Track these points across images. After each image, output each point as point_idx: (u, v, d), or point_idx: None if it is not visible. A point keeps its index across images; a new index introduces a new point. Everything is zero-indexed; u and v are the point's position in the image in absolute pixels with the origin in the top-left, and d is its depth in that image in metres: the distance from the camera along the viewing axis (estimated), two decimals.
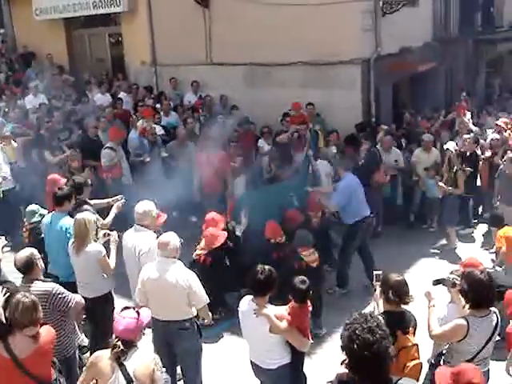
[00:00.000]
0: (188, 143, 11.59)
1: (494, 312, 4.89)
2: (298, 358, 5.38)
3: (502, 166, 10.08)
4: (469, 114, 13.32)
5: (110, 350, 4.50)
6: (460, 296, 5.05)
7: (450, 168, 10.30)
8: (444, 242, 10.63)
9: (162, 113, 13.35)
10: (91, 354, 6.48)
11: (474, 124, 13.40)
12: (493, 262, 8.25)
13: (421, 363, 4.60)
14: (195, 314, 5.90)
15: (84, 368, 4.65)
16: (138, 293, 5.96)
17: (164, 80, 15.55)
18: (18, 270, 5.60)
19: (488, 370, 5.04)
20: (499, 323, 4.87)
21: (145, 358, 4.53)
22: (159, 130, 12.44)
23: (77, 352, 5.93)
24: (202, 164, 10.53)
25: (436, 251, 10.38)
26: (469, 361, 4.79)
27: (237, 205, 8.91)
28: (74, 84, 16.62)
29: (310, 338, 5.36)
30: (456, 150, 10.47)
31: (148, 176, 10.54)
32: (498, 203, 10.10)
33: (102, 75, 16.59)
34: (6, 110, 14.14)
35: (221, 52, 14.22)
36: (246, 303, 5.32)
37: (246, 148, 11.90)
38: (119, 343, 4.45)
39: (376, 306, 5.01)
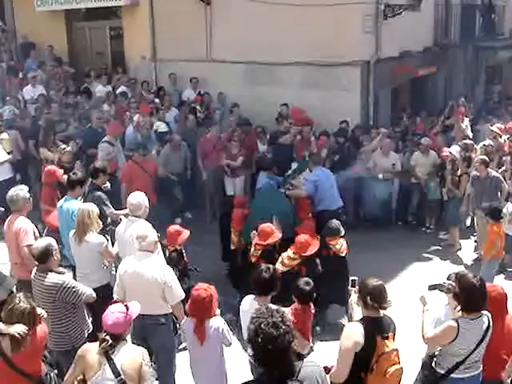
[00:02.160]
0: (182, 147, 11.62)
1: (486, 315, 4.92)
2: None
3: (474, 173, 10.07)
4: (467, 120, 13.34)
5: (98, 343, 4.51)
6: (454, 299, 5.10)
7: (453, 171, 10.45)
8: (438, 246, 10.78)
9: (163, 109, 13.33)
10: None
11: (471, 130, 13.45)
12: None
13: (401, 368, 4.58)
14: (170, 310, 5.92)
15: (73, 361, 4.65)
16: (116, 287, 5.98)
17: (164, 75, 15.52)
18: (35, 258, 5.69)
19: (479, 374, 5.05)
20: (490, 326, 4.89)
21: (133, 352, 4.56)
22: (164, 127, 12.45)
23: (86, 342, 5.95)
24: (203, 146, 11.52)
25: (431, 253, 10.49)
26: (459, 363, 4.84)
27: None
28: (73, 76, 16.57)
29: (310, 341, 5.41)
30: (461, 155, 10.61)
31: None
32: (475, 211, 10.22)
33: (102, 68, 16.54)
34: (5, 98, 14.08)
35: (221, 49, 14.21)
36: (248, 302, 5.33)
37: (247, 149, 11.89)
38: (108, 337, 4.47)
39: (352, 312, 5.00)
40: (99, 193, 7.93)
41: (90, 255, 6.58)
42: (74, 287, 5.59)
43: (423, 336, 5.05)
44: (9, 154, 11.24)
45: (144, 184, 9.39)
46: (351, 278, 5.22)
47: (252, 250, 7.40)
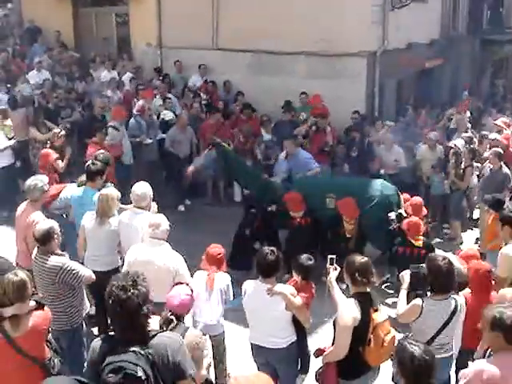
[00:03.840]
0: (188, 128, 11.67)
1: (455, 298, 5.08)
2: (301, 335, 5.47)
3: (487, 165, 10.07)
4: (468, 113, 13.35)
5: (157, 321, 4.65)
6: None
7: (457, 165, 10.43)
8: (440, 239, 10.77)
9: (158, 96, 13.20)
10: (99, 328, 6.73)
11: (473, 124, 13.44)
12: None
13: (394, 335, 4.85)
14: None
15: None
16: None
17: (169, 63, 15.50)
18: (36, 240, 5.73)
19: (451, 357, 5.19)
20: (459, 309, 5.04)
21: (191, 334, 4.58)
22: (170, 116, 12.40)
23: (83, 322, 6.04)
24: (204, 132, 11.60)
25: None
26: (428, 343, 4.90)
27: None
28: (79, 62, 16.55)
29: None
30: (466, 148, 10.61)
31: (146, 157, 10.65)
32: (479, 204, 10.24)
33: (107, 55, 16.52)
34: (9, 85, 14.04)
35: (227, 38, 14.17)
36: (253, 285, 5.36)
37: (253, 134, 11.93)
38: (173, 317, 4.60)
39: (331, 288, 5.14)
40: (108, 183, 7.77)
41: (109, 237, 6.67)
42: (74, 269, 5.66)
43: (397, 312, 5.28)
44: (10, 140, 11.20)
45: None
46: (329, 256, 5.38)
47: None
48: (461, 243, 10.61)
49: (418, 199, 8.44)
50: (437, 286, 5.08)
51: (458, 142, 11.09)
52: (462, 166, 10.43)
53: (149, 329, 3.57)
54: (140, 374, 3.30)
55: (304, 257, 5.64)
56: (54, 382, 3.22)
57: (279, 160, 10.31)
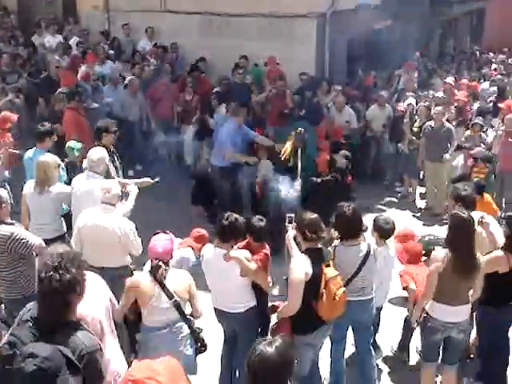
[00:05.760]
0: (139, 94, 11.56)
1: (367, 244, 5.38)
2: (262, 299, 5.52)
3: (428, 123, 10.29)
4: (415, 73, 13.53)
5: (147, 272, 4.88)
6: None
7: (412, 123, 10.66)
8: (393, 198, 11.14)
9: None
10: None
11: (423, 84, 13.62)
12: None
13: (345, 290, 5.00)
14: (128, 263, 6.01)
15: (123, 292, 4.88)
16: (74, 238, 5.99)
17: (117, 26, 15.14)
18: None
19: (370, 301, 5.46)
20: (371, 254, 5.32)
21: (180, 275, 4.96)
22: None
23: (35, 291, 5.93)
24: (153, 94, 11.53)
25: (386, 205, 10.80)
26: (343, 286, 5.13)
27: None
28: (23, 27, 16.04)
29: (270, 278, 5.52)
30: (424, 106, 10.78)
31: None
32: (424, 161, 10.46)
33: (53, 18, 16.02)
34: None
35: None
36: (211, 251, 5.37)
37: (200, 95, 11.82)
38: (161, 263, 4.81)
39: (289, 247, 5.22)
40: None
41: (50, 205, 6.61)
42: (23, 238, 5.57)
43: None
44: None
45: (87, 131, 9.18)
46: (287, 215, 5.45)
47: None
48: (413, 200, 10.96)
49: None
50: (343, 231, 5.36)
51: (412, 101, 11.26)
52: (417, 125, 10.57)
53: (74, 319, 3.47)
54: (45, 366, 3.12)
55: (255, 218, 5.62)
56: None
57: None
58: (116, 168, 7.59)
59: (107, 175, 6.97)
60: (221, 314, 5.49)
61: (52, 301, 3.33)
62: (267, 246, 5.65)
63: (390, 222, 5.98)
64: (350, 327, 5.59)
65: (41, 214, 6.65)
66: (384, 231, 5.90)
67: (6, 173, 8.54)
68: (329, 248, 5.38)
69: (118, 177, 7.42)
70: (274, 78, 11.66)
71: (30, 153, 7.66)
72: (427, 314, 5.25)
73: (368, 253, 5.31)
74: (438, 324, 5.17)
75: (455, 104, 11.46)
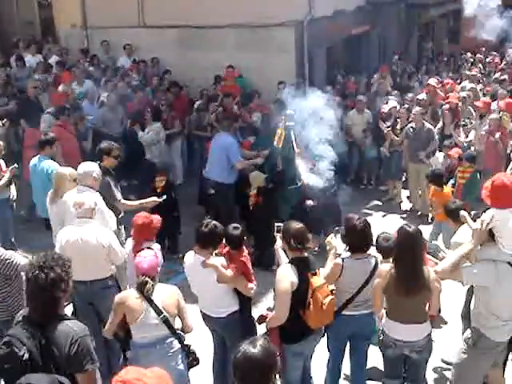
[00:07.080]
0: (118, 108, 11.57)
1: (374, 257, 5.30)
2: (245, 304, 5.52)
3: (410, 125, 10.35)
4: (389, 77, 13.69)
5: (134, 288, 4.88)
6: None
7: (393, 126, 10.73)
8: (378, 201, 11.14)
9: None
10: None
11: (402, 87, 13.72)
12: None
13: (334, 298, 4.96)
14: (114, 271, 6.03)
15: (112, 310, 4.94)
16: None
17: (96, 43, 15.14)
18: None
19: (371, 313, 5.31)
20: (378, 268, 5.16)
21: (168, 289, 4.95)
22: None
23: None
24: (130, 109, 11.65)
25: (372, 209, 10.80)
26: (348, 301, 5.18)
27: None
28: (1, 47, 15.99)
29: (254, 281, 5.51)
30: (405, 108, 10.86)
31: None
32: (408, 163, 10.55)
33: (31, 38, 16.01)
34: None
35: (154, 14, 13.93)
36: (192, 257, 5.40)
37: (180, 112, 11.81)
38: (148, 279, 4.79)
39: (278, 256, 5.27)
40: (106, 178, 7.10)
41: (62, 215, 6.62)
42: (7, 259, 5.50)
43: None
44: None
45: (73, 146, 9.71)
46: (276, 224, 5.47)
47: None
48: (400, 202, 10.97)
49: None
50: (354, 244, 5.25)
51: (392, 104, 11.35)
52: (398, 127, 10.66)
53: (60, 313, 3.65)
54: (22, 353, 3.40)
55: (231, 226, 5.54)
56: (34, 378, 3.29)
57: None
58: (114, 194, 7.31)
59: (111, 199, 6.93)
60: (205, 318, 5.56)
61: (40, 297, 3.54)
62: (245, 253, 5.58)
63: (389, 238, 5.62)
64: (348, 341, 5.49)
65: (53, 223, 6.86)
66: (386, 251, 5.51)
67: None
68: (336, 259, 5.26)
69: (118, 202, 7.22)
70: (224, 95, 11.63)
71: (35, 160, 8.16)
72: (382, 327, 5.13)
73: (376, 266, 5.22)
74: (388, 340, 5.01)
75: (448, 106, 11.40)
